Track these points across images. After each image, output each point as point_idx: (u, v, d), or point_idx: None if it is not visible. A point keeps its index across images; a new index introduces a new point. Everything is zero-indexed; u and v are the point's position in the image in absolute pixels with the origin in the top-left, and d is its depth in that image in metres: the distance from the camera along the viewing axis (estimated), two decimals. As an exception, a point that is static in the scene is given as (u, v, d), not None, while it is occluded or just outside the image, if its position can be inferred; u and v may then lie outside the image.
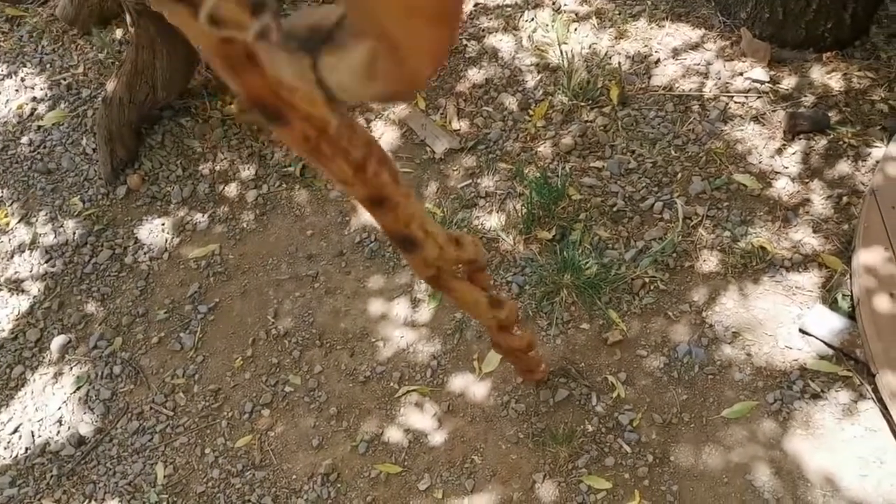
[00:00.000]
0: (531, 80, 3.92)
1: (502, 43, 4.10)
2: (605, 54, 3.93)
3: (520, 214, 3.42)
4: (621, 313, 3.16)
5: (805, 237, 3.21)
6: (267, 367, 3.27)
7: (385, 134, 3.85)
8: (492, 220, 3.48)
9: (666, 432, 2.88)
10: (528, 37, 4.08)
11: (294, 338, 3.31)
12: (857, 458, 2.72)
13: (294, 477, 3.02)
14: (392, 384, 3.15)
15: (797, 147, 3.47)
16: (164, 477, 3.07)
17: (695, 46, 3.91)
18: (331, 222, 3.60)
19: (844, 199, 3.28)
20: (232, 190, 3.76)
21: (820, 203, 3.30)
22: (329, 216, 3.62)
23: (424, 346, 3.21)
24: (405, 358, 3.20)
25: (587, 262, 3.24)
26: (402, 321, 3.29)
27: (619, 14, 4.10)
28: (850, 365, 2.89)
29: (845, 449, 2.74)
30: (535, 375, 2.93)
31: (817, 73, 3.66)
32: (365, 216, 3.59)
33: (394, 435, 3.04)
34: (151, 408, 3.23)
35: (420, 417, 3.06)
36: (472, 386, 3.09)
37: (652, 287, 3.21)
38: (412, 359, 3.19)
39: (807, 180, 3.37)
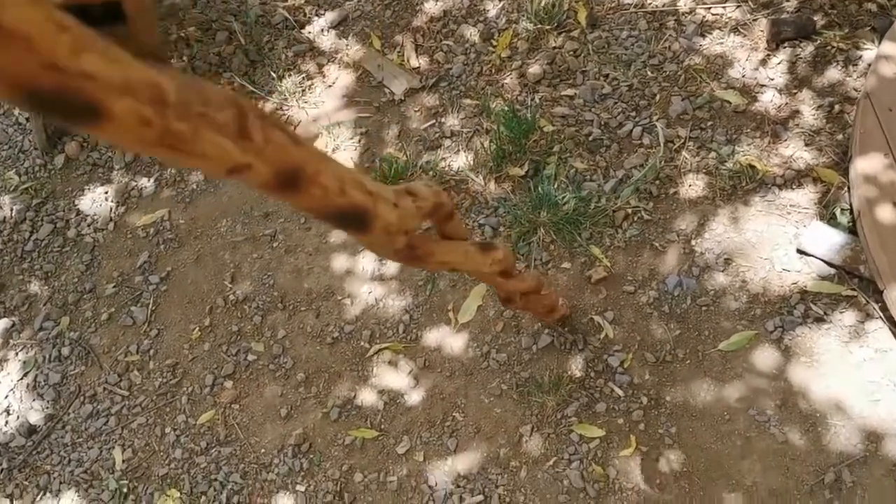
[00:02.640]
0: (492, 9, 3.63)
1: (459, -29, 3.79)
2: (570, -25, 3.63)
3: (489, 152, 3.16)
4: (604, 248, 2.92)
5: (797, 152, 2.97)
6: (227, 336, 3.02)
7: (339, 79, 3.56)
8: (459, 161, 3.22)
9: (660, 371, 2.66)
10: (487, -37, 3.77)
11: (254, 302, 3.06)
12: (867, 382, 2.51)
13: (263, 450, 2.79)
14: (362, 343, 2.91)
15: (782, 56, 3.20)
16: (123, 462, 2.84)
17: (666, -41, 3.61)
18: (286, 176, 3.32)
19: (836, 107, 3.02)
20: (178, 150, 3.48)
21: (810, 114, 3.05)
22: (284, 170, 3.34)
23: (395, 300, 2.97)
24: (375, 314, 2.96)
25: (564, 197, 2.99)
26: (370, 275, 3.04)
27: (583, -69, 3.79)
28: (853, 283, 2.66)
29: (855, 374, 2.52)
30: (557, 314, 2.67)
31: (799, -24, 3.38)
32: (322, 167, 3.31)
33: (367, 397, 2.81)
34: (105, 389, 2.99)
35: (395, 376, 2.83)
36: (448, 338, 2.86)
37: (636, 218, 2.96)
38: (382, 315, 2.95)
39: (795, 91, 3.11)
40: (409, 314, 2.93)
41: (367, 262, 3.06)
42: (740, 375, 2.60)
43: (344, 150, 3.34)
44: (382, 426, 2.76)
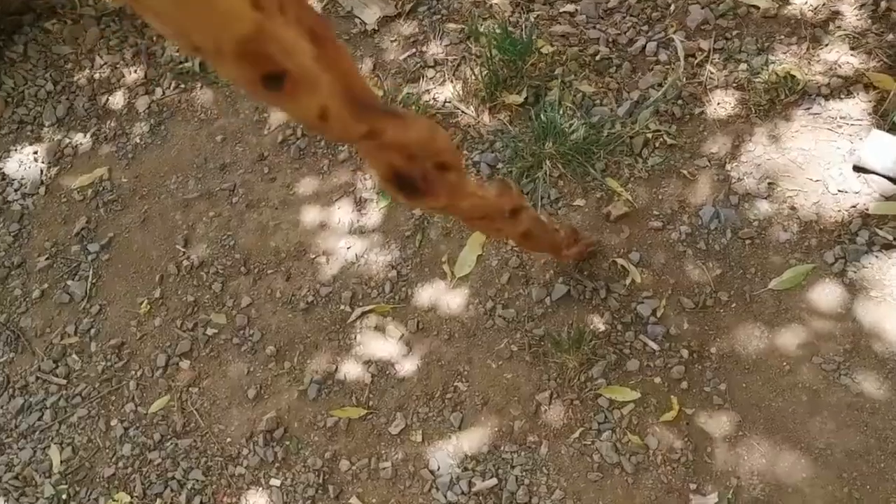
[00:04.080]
0: (474, -77, 3.15)
1: None
2: None
3: (480, 79, 2.69)
4: (623, 181, 2.46)
5: (842, 56, 2.52)
6: (182, 309, 2.54)
7: (302, 10, 3.07)
8: (445, 92, 2.75)
9: (700, 319, 2.21)
10: None
11: (213, 267, 2.59)
12: (954, 316, 2.07)
13: (229, 440, 2.32)
14: (343, 307, 2.44)
15: (815, -48, 2.75)
16: (62, 463, 2.36)
17: None
18: (245, 122, 2.85)
19: (882, 3, 2.57)
20: (118, 100, 2.99)
21: (853, 14, 2.60)
22: (242, 115, 2.86)
23: (378, 254, 2.50)
24: (356, 272, 2.49)
25: (571, 125, 2.53)
26: (348, 228, 2.57)
27: None
28: (926, 202, 2.22)
29: (939, 306, 2.08)
30: (582, 249, 2.24)
31: None
32: (287, 109, 2.83)
33: (351, 370, 2.35)
34: (38, 378, 2.50)
35: (383, 343, 2.36)
36: (444, 296, 2.39)
37: (657, 143, 2.50)
38: (365, 273, 2.48)
39: (833, -10, 2.66)
40: (396, 270, 2.46)
41: (343, 212, 2.59)
42: (798, 318, 2.16)
43: (311, 88, 2.86)
44: (371, 403, 2.29)
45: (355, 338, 2.39)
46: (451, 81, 2.77)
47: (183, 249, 2.64)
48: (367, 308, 2.42)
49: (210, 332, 2.48)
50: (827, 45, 2.56)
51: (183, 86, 2.96)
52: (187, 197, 2.74)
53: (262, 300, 2.50)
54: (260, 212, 2.65)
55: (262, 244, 2.59)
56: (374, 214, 2.57)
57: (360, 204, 2.60)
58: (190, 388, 2.42)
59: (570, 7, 2.85)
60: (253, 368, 2.40)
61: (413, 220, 2.53)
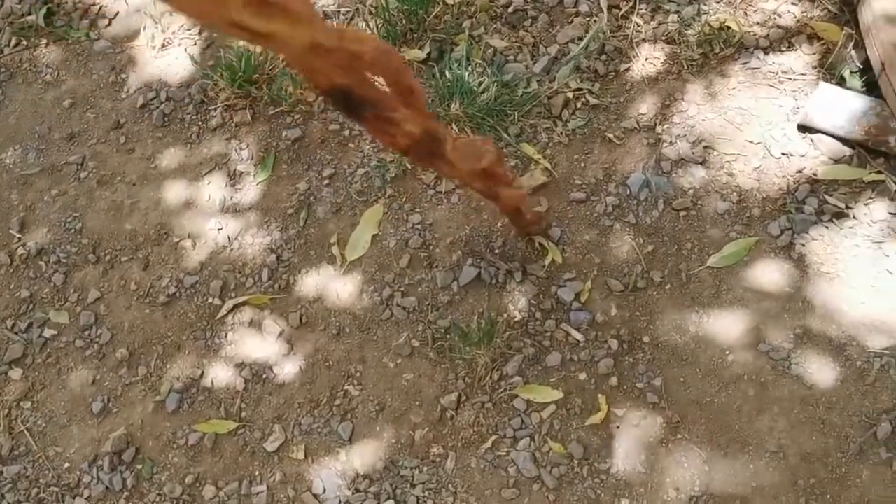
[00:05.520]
0: None
1: None
2: None
3: (376, 32, 2.31)
4: (541, 146, 2.12)
5: (782, 5, 2.24)
6: (14, 306, 2.10)
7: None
8: (337, 48, 2.35)
9: (631, 303, 1.89)
10: None
11: (54, 255, 2.14)
12: (914, 293, 1.79)
13: (67, 465, 1.89)
14: (211, 299, 2.03)
15: None
16: None
17: None
18: (99, 84, 2.40)
19: (826, -53, 2.30)
20: (-55, 60, 2.50)
21: (792, -40, 2.32)
22: (96, 76, 2.42)
23: (255, 236, 2.10)
24: (228, 258, 2.08)
25: (481, 83, 2.18)
26: (219, 206, 2.16)
27: None
28: (879, 164, 1.95)
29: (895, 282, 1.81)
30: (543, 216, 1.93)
31: None
32: (150, 68, 2.40)
33: (220, 375, 1.95)
34: None
35: (259, 342, 1.97)
36: (333, 283, 2.01)
37: (579, 104, 2.18)
38: (239, 258, 2.08)
39: (769, -66, 2.38)
40: (275, 254, 2.07)
41: (214, 188, 2.18)
42: (741, 299, 1.86)
43: (179, 44, 2.44)
44: (243, 414, 1.90)
45: (226, 336, 1.99)
46: (344, 36, 2.38)
47: (18, 235, 2.19)
48: (241, 300, 2.02)
49: (48, 333, 2.05)
50: (764, -7, 2.27)
51: (25, 43, 2.50)
52: (26, 172, 2.28)
53: (113, 294, 2.08)
54: (114, 189, 2.22)
55: (116, 227, 2.16)
56: (251, 190, 2.17)
57: (234, 178, 2.20)
58: (21, 403, 1.98)
59: (479, -47, 2.49)
60: (99, 376, 1.98)
61: (297, 196, 2.14)
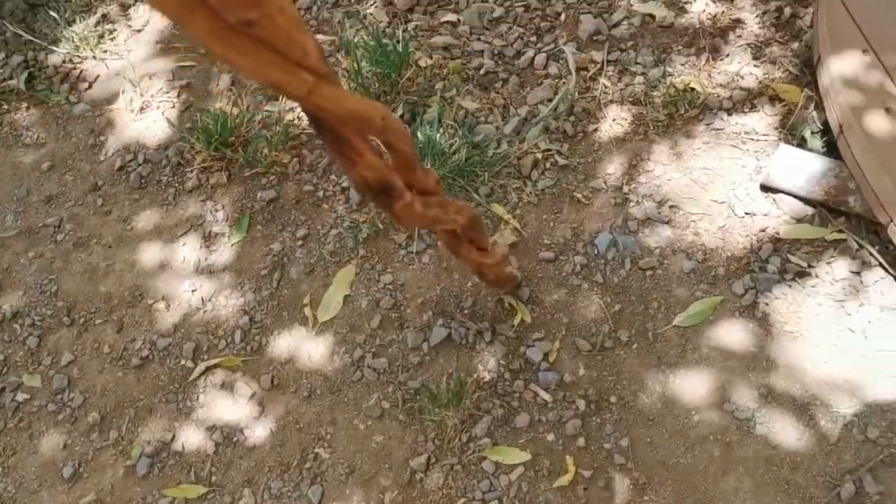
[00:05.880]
0: (348, -73, 2.86)
1: None
2: None
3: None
4: (511, 206, 2.16)
5: (744, 67, 2.30)
6: (-13, 369, 2.10)
7: (151, 21, 2.71)
8: (312, 110, 2.40)
9: (598, 363, 1.91)
10: None
11: (29, 318, 2.16)
12: (876, 352, 1.82)
13: (36, 532, 1.88)
14: (184, 362, 2.05)
15: (711, -42, 2.55)
16: None
17: None
18: (78, 147, 2.44)
19: (786, 10, 2.38)
20: (-73, 123, 2.54)
21: (755, 22, 2.39)
22: (75, 139, 2.46)
23: (229, 297, 2.12)
24: (201, 320, 2.10)
25: (453, 144, 2.23)
26: (194, 268, 2.19)
27: None
28: (840, 223, 1.99)
29: (858, 343, 1.84)
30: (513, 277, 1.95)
31: None
32: (128, 131, 2.45)
33: (191, 438, 1.95)
34: None
35: (230, 404, 1.98)
36: (305, 344, 2.03)
37: (548, 164, 2.22)
38: (212, 320, 2.10)
39: (731, -3, 2.46)
40: (248, 316, 2.09)
41: (189, 249, 2.21)
42: (707, 358, 1.88)
43: (157, 107, 2.48)
44: (214, 478, 1.90)
45: (197, 399, 2.00)
46: (319, 98, 2.43)
47: (-6, 298, 2.21)
48: (213, 362, 2.03)
49: (21, 397, 2.05)
50: (728, 55, 2.34)
51: (6, 106, 2.54)
52: (3, 235, 2.31)
53: (86, 356, 2.09)
54: (90, 251, 2.25)
55: (91, 289, 2.18)
56: (226, 251, 2.20)
57: (209, 239, 2.23)
58: (-9, 468, 1.98)
59: (452, 17, 2.56)
60: (71, 440, 1.98)
61: (271, 257, 2.16)
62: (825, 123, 2.10)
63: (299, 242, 2.18)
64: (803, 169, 1.99)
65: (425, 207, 1.37)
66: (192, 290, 2.15)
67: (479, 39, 2.51)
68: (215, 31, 0.80)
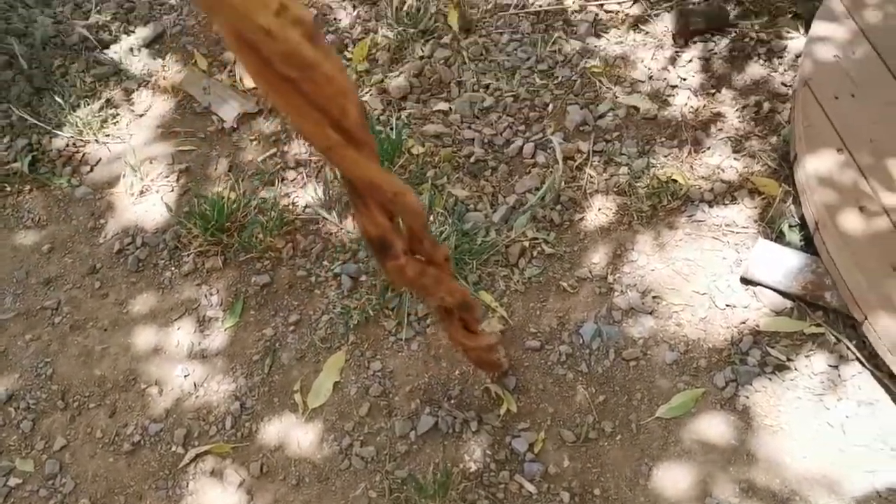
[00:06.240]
0: (345, 17, 2.98)
1: (304, -23, 3.14)
2: (437, -24, 3.03)
3: (343, 182, 2.43)
4: (498, 294, 2.22)
5: (725, 160, 2.38)
6: (-19, 453, 2.13)
7: (153, 107, 2.80)
8: (307, 196, 2.49)
9: (583, 454, 1.94)
10: (337, -33, 3.14)
11: (23, 401, 2.19)
12: (855, 447, 1.86)
13: None
14: (174, 448, 2.07)
15: (693, 53, 2.66)
16: None
17: (547, -45, 3.07)
18: (78, 229, 2.51)
19: (765, 105, 2.47)
20: (-69, 204, 2.61)
21: (735, 116, 2.48)
22: (76, 221, 2.53)
23: (221, 383, 2.16)
24: (193, 406, 2.14)
25: (443, 232, 2.29)
26: (187, 352, 2.23)
27: (449, -70, 3.22)
28: (818, 317, 2.04)
29: (836, 437, 1.88)
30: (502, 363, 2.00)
31: (702, -35, 2.88)
32: (128, 214, 2.51)
33: (180, 526, 1.97)
34: None
35: (219, 492, 2.00)
36: (294, 431, 2.06)
37: (535, 253, 2.28)
38: (203, 405, 2.13)
39: (713, 91, 2.56)
40: (239, 402, 2.12)
41: (183, 333, 2.25)
42: (689, 451, 1.91)
43: (157, 191, 2.56)
44: (201, 568, 1.91)
45: (187, 486, 2.02)
46: (314, 184, 2.51)
47: (-10, 380, 2.25)
48: (203, 449, 2.06)
49: (13, 482, 2.07)
50: (709, 148, 2.42)
51: (9, 188, 2.61)
52: (2, 318, 2.35)
53: (79, 441, 2.12)
54: (86, 334, 2.29)
55: (86, 373, 2.22)
56: (219, 336, 2.24)
57: (203, 323, 2.27)
58: (-20, 556, 1.99)
59: (444, 106, 2.66)
60: (60, 528, 2.00)
61: (263, 342, 2.21)
62: (802, 217, 2.17)
63: (291, 328, 2.23)
64: (781, 264, 2.05)
65: (418, 275, 1.42)
66: (185, 375, 2.19)
67: (469, 128, 2.60)
68: (263, 73, 0.86)
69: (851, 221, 1.96)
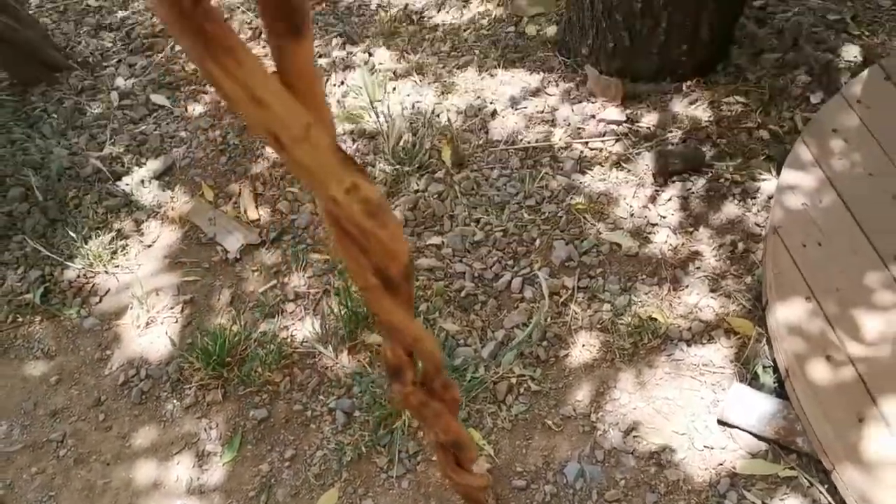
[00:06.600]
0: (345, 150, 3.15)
1: (306, 111, 3.33)
2: (432, 112, 3.23)
3: (339, 317, 2.56)
4: (486, 431, 2.31)
5: (702, 299, 2.50)
6: (-18, 590, 2.19)
7: (161, 237, 2.95)
8: (305, 329, 2.61)
9: None
10: (338, 102, 3.34)
11: (26, 537, 2.27)
12: None
13: None
14: (171, 586, 2.14)
15: (672, 192, 2.81)
16: None
17: (535, 92, 3.27)
18: (84, 361, 2.62)
19: (740, 245, 2.61)
20: (-54, 334, 2.73)
21: (711, 255, 2.62)
22: (83, 353, 2.64)
23: (218, 519, 2.24)
24: (190, 542, 2.21)
25: (433, 369, 2.39)
26: (185, 487, 2.31)
27: (444, 67, 3.44)
28: (791, 460, 2.13)
29: (813, 585, 1.94)
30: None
31: (680, 106, 3.07)
32: (133, 346, 2.63)
33: None
34: None
35: None
36: (287, 570, 2.13)
37: (522, 390, 2.39)
38: (200, 542, 2.20)
39: (690, 229, 2.70)
40: (235, 539, 2.20)
41: (183, 468, 2.34)
42: None
43: (161, 322, 2.68)
44: None
45: None
46: (312, 317, 2.64)
47: (-6, 514, 2.33)
48: (199, 588, 2.12)
49: None
50: (687, 286, 2.55)
51: (21, 319, 2.74)
52: (9, 450, 2.45)
53: (78, 578, 2.18)
54: (89, 468, 2.38)
55: (88, 507, 2.30)
56: (217, 471, 2.33)
57: (202, 458, 2.36)
58: None
59: (436, 239, 2.80)
60: None
61: (259, 478, 2.29)
62: (776, 360, 2.28)
63: (287, 464, 2.32)
64: (754, 409, 2.15)
65: (420, 405, 1.52)
66: (183, 511, 2.27)
67: (461, 262, 2.73)
68: (329, 212, 0.96)
69: (819, 371, 2.07)
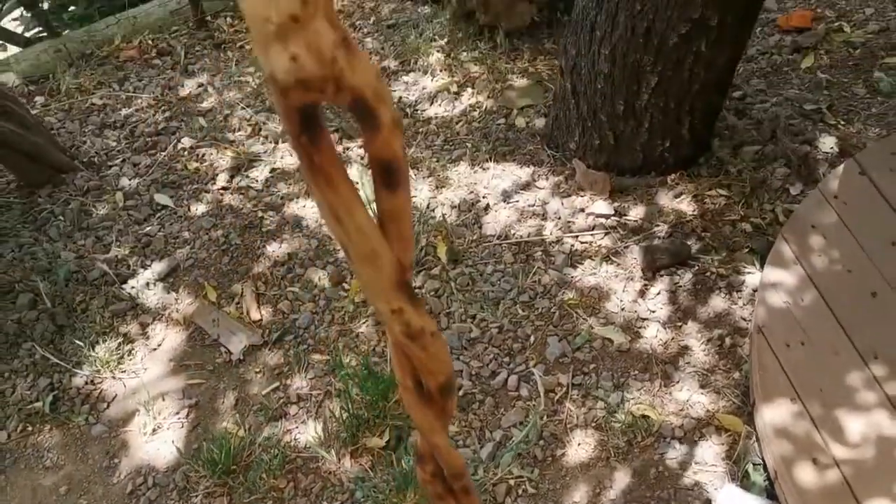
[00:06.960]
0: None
1: (305, 210, 3.46)
2: (427, 207, 3.35)
3: (341, 420, 2.64)
4: (486, 536, 2.37)
5: (693, 395, 2.59)
6: None
7: (166, 339, 3.04)
8: (307, 433, 2.68)
9: None
10: (336, 199, 3.45)
11: None
12: None
13: None
14: None
15: (660, 286, 2.91)
16: None
17: (526, 186, 3.39)
18: (93, 469, 2.68)
19: (727, 340, 2.70)
20: (-43, 445, 2.80)
21: (700, 350, 2.71)
22: (91, 461, 2.71)
23: None
24: None
25: (433, 472, 2.45)
26: None
27: (437, 161, 3.57)
28: (785, 561, 2.19)
29: None
30: None
31: (665, 199, 3.19)
32: (140, 453, 2.70)
33: None
34: None
35: None
36: None
37: (520, 492, 2.45)
38: None
39: (679, 324, 2.79)
40: None
41: (190, 580, 2.39)
42: None
43: (168, 428, 2.75)
44: None
45: None
46: (314, 420, 2.71)
47: None
48: None
49: None
50: (678, 382, 2.63)
51: (31, 428, 2.81)
52: (19, 562, 2.50)
53: None
54: (99, 580, 2.43)
55: None
56: (224, 581, 2.38)
57: (209, 568, 2.41)
58: None
59: (433, 338, 2.87)
60: None
61: (265, 588, 2.34)
62: (765, 459, 2.35)
63: (292, 572, 2.37)
64: (746, 510, 2.21)
65: (437, 498, 1.59)
66: None
67: (458, 359, 2.81)
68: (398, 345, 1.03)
69: (806, 474, 2.14)
